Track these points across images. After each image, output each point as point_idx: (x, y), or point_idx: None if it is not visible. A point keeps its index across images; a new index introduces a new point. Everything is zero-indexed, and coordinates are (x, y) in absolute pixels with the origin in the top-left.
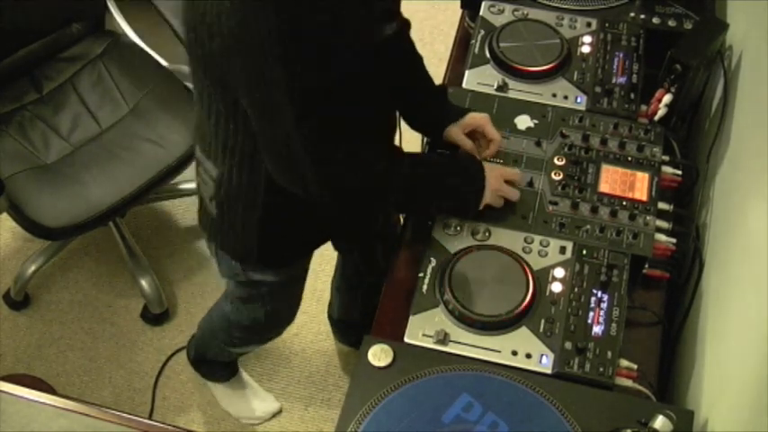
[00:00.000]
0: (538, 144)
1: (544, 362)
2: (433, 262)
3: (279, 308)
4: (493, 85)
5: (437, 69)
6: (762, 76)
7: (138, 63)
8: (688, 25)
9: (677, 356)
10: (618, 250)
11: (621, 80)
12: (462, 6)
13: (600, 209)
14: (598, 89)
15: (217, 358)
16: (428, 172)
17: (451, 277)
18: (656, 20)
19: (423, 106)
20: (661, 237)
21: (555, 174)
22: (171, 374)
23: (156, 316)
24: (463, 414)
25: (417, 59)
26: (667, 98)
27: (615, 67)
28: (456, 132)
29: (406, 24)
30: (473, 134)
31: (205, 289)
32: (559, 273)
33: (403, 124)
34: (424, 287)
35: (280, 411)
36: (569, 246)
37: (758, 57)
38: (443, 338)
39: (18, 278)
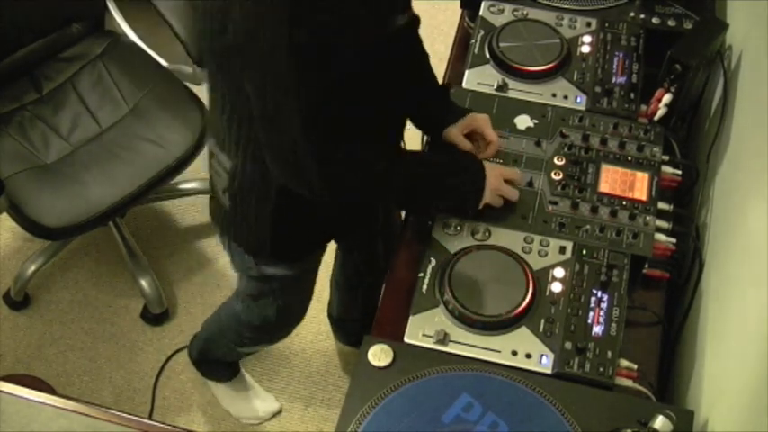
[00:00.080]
0: (538, 144)
1: (544, 362)
2: (433, 262)
3: (290, 302)
4: (493, 85)
5: (437, 69)
6: (762, 76)
7: (138, 63)
8: (688, 25)
9: (677, 356)
10: (618, 250)
11: (621, 80)
12: (462, 6)
13: (600, 209)
14: (598, 89)
15: (223, 358)
16: (428, 171)
17: (451, 277)
18: (655, 20)
19: (424, 105)
20: (661, 237)
21: (555, 174)
22: (171, 374)
23: (156, 316)
24: (463, 414)
25: (424, 56)
26: (667, 98)
27: (615, 66)
28: (455, 133)
29: (415, 19)
30: (472, 135)
31: (205, 289)
32: (559, 273)
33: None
34: (424, 287)
35: (280, 411)
36: (569, 246)
37: (758, 57)
38: (443, 338)
39: (18, 278)
